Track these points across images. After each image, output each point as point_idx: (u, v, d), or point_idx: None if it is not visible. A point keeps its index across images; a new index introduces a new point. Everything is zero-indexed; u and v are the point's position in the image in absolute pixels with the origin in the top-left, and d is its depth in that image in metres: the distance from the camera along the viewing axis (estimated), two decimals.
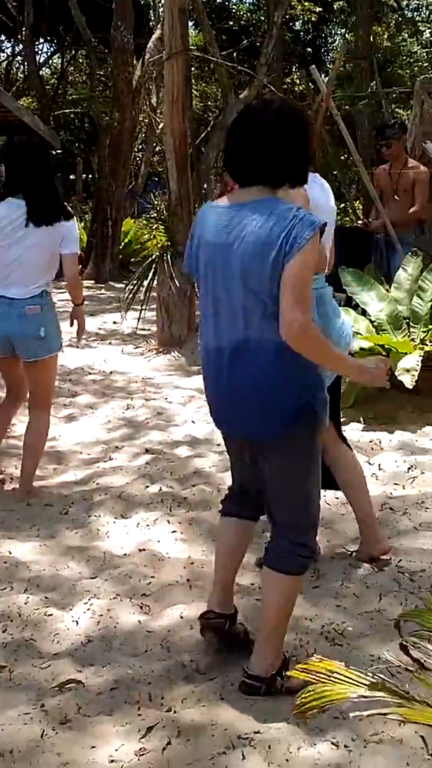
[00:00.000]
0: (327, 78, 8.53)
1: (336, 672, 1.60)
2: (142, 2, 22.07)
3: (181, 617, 3.30)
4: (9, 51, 32.98)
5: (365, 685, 1.63)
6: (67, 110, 28.88)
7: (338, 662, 1.68)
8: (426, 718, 1.63)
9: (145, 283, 8.52)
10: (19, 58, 31.53)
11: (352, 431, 5.68)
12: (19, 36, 25.52)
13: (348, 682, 1.57)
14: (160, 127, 18.65)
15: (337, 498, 4.50)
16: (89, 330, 9.76)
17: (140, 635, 3.20)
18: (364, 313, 6.54)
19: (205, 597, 3.43)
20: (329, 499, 4.49)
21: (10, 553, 3.88)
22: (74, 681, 2.85)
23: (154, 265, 8.49)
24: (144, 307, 8.68)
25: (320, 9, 24.48)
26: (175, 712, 2.68)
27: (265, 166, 2.64)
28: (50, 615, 3.30)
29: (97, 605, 3.40)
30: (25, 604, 3.38)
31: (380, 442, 5.42)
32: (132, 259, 16.82)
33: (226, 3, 28.55)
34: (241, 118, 2.72)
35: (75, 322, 4.84)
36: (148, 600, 3.47)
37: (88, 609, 3.37)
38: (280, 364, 2.62)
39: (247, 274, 2.59)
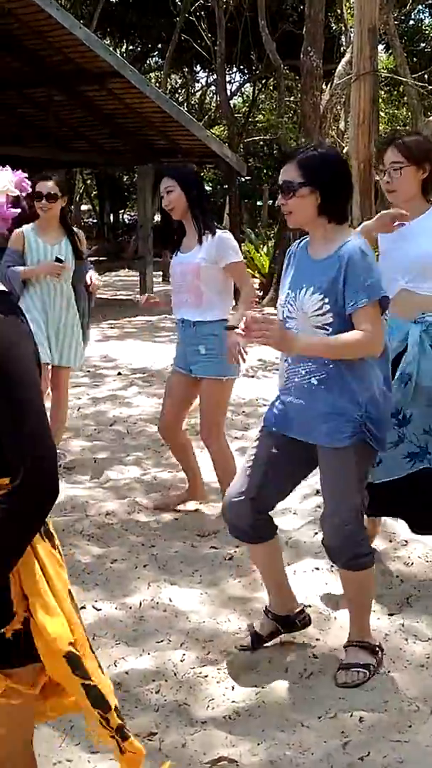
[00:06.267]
0: None
1: None
2: (333, 28, 21.97)
3: (346, 689, 2.99)
4: (204, 81, 33.95)
5: None
6: (257, 137, 29.20)
7: None
8: None
9: None
10: (212, 87, 32.31)
11: None
12: (212, 66, 26.08)
13: None
14: (344, 151, 18.40)
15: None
16: (266, 359, 9.63)
17: (302, 708, 2.92)
18: None
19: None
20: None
21: (170, 600, 3.70)
22: (227, 759, 2.61)
23: None
24: None
25: None
26: None
27: None
28: (205, 677, 3.07)
29: (256, 667, 3.15)
30: (181, 661, 3.18)
31: None
32: None
33: (419, 25, 27.98)
34: None
35: None
36: (313, 665, 3.18)
37: (246, 671, 3.13)
38: None
39: None
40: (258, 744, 2.71)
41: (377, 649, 3.16)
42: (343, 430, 2.92)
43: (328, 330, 2.89)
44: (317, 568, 3.99)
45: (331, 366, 2.90)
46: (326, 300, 2.86)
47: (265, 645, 3.30)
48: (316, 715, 2.88)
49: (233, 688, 3.03)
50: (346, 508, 3.00)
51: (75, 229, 5.58)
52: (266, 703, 2.94)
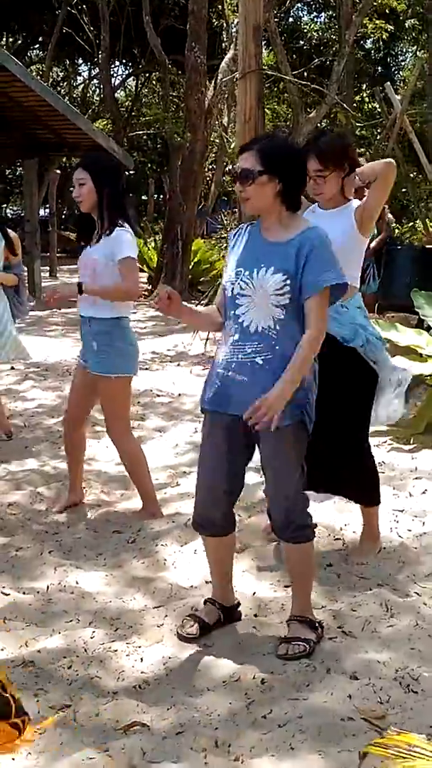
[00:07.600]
0: (400, 96, 8.41)
1: (417, 746, 1.47)
2: (215, 24, 22.23)
3: (247, 656, 3.19)
4: (86, 74, 33.72)
5: None
6: (141, 132, 29.22)
7: (417, 735, 1.55)
8: None
9: None
10: (95, 81, 32.13)
11: (425, 459, 5.51)
12: (95, 59, 25.97)
13: (430, 757, 1.44)
14: (231, 147, 18.68)
15: (409, 530, 4.35)
16: (158, 351, 9.79)
17: (207, 674, 3.10)
18: None
19: (272, 632, 3.37)
20: (401, 531, 4.34)
21: (77, 583, 3.82)
22: (139, 723, 2.77)
23: None
24: None
25: (391, 27, 24.34)
26: (243, 762, 2.57)
27: None
28: (115, 651, 3.22)
29: (162, 640, 3.32)
30: (91, 638, 3.31)
31: None
32: (201, 279, 16.82)
33: (298, 22, 28.59)
34: None
35: None
36: (214, 636, 3.37)
37: (153, 644, 3.30)
38: None
39: None
40: (167, 709, 2.87)
41: (317, 625, 3.28)
42: (283, 411, 2.98)
43: (282, 311, 3.01)
44: None
45: (277, 348, 3.02)
46: (288, 281, 2.99)
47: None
48: (220, 680, 3.06)
49: (142, 659, 3.19)
50: (288, 483, 3.15)
51: (10, 232, 5.93)
52: (174, 672, 3.11)
